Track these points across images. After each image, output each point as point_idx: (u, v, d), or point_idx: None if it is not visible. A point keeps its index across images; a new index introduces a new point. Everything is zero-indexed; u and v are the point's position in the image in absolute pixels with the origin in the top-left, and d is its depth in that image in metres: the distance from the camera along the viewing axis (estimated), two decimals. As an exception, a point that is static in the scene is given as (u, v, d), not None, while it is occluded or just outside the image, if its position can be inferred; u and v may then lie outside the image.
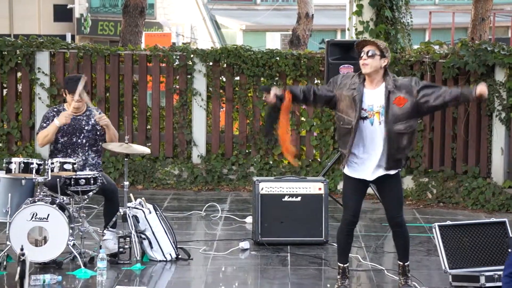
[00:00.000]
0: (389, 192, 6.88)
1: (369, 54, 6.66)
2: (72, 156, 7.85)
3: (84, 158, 7.92)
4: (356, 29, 10.92)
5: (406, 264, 6.98)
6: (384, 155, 6.72)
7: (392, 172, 6.82)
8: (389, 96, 6.66)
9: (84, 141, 7.93)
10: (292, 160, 7.11)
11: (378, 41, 6.80)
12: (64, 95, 8.03)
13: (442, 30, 26.99)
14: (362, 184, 6.85)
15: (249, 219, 9.23)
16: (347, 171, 6.82)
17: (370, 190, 10.11)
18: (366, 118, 6.69)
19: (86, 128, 7.96)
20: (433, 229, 7.31)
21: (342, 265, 7.02)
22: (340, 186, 10.78)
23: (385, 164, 6.74)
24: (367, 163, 6.76)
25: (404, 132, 6.70)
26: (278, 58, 11.14)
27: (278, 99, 6.66)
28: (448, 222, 7.36)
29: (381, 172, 6.78)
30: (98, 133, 8.02)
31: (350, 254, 8.11)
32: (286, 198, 8.44)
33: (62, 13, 31.65)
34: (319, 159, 11.22)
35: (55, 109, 8.08)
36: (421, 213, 10.08)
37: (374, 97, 6.70)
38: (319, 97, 6.79)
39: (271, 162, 11.22)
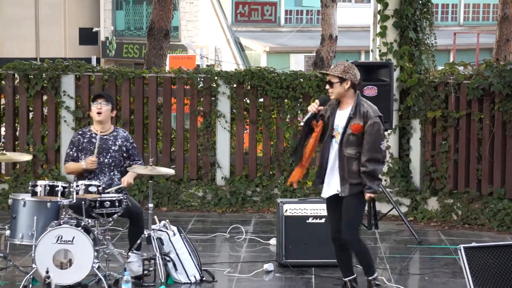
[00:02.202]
0: (344, 210, 7.05)
1: (330, 84, 7.04)
2: (99, 176, 7.89)
3: (110, 178, 7.96)
4: (380, 51, 10.92)
5: (369, 278, 7.11)
6: (339, 176, 7.01)
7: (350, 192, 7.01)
8: (349, 121, 6.97)
9: (110, 161, 7.98)
10: (295, 181, 7.33)
11: (335, 68, 7.08)
12: (91, 113, 8.12)
13: (466, 51, 26.92)
14: (334, 200, 7.08)
15: (273, 241, 9.22)
16: (322, 192, 7.19)
17: (394, 212, 10.11)
18: (333, 137, 7.04)
19: (113, 148, 8.01)
20: (459, 251, 7.24)
21: (344, 279, 7.24)
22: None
23: (339, 186, 6.99)
24: (333, 180, 7.04)
25: (354, 157, 6.94)
26: (302, 80, 11.16)
27: (315, 117, 7.04)
28: (474, 244, 7.31)
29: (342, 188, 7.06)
30: (124, 154, 8.06)
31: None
32: (310, 220, 8.42)
33: (88, 37, 31.92)
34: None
35: (80, 132, 8.15)
36: (446, 234, 10.02)
37: (341, 117, 7.05)
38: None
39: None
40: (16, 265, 7.72)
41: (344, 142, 6.97)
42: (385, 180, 10.90)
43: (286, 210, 8.41)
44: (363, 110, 6.97)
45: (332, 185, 7.05)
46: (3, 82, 11.34)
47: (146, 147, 11.19)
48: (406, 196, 10.88)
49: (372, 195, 6.99)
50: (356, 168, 6.93)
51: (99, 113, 7.98)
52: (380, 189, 7.43)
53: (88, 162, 7.85)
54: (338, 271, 8.18)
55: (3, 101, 11.40)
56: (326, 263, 8.31)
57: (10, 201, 7.70)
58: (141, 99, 11.29)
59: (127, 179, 7.92)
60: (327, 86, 7.08)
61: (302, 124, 7.10)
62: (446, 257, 8.88)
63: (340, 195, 7.02)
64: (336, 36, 15.04)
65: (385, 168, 10.92)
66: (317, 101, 7.09)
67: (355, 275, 7.22)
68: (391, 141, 10.95)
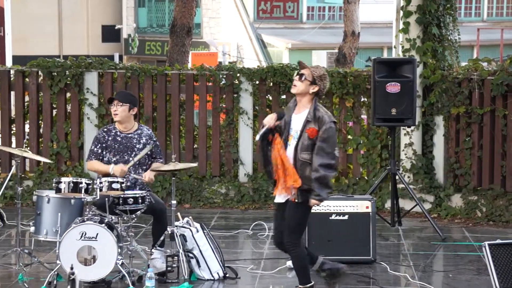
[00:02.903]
0: (288, 215, 6.94)
1: (301, 77, 6.89)
2: (125, 175, 7.90)
3: (134, 176, 7.97)
4: (403, 47, 10.87)
5: (301, 287, 6.99)
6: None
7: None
8: (305, 125, 6.85)
9: (135, 159, 7.99)
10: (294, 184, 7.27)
11: (316, 68, 6.95)
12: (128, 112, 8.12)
13: (490, 47, 26.76)
14: (283, 205, 6.98)
15: (296, 238, 9.20)
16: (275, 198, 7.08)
17: (418, 209, 10.07)
18: (287, 140, 6.93)
19: (137, 146, 8.03)
20: (483, 248, 7.21)
21: (299, 285, 7.12)
22: (388, 204, 10.72)
23: (291, 194, 6.88)
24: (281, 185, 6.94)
25: (308, 162, 6.82)
26: (324, 76, 11.12)
27: (271, 132, 6.94)
28: (498, 241, 7.26)
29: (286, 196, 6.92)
30: (148, 152, 8.08)
31: (398, 273, 8.07)
32: (333, 217, 8.41)
33: (110, 34, 32.03)
34: (366, 177, 11.17)
35: (105, 129, 8.18)
36: (470, 231, 9.97)
37: (297, 121, 6.92)
38: None
39: (318, 181, 11.18)
40: (41, 261, 7.77)
41: (300, 147, 6.83)
42: (408, 177, 10.86)
43: (309, 207, 8.38)
44: (318, 114, 6.85)
45: (280, 189, 6.92)
46: (27, 79, 11.40)
47: (169, 144, 11.21)
48: (429, 193, 10.84)
49: (318, 203, 6.84)
50: (309, 174, 6.80)
51: (115, 114, 8.01)
52: (328, 199, 7.17)
53: (118, 170, 7.85)
54: (361, 267, 8.17)
55: (27, 98, 11.47)
56: (349, 259, 8.29)
57: (34, 197, 7.74)
58: (163, 96, 11.31)
59: (148, 175, 7.94)
60: (296, 77, 6.90)
61: (258, 138, 6.97)
62: (470, 254, 8.83)
63: (289, 198, 6.88)
64: (359, 33, 15.01)
65: (408, 165, 10.89)
66: (274, 114, 6.95)
67: (313, 283, 7.06)
68: (414, 137, 10.90)
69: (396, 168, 9.94)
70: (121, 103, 8.02)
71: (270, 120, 6.91)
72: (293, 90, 6.95)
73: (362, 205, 8.42)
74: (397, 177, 9.92)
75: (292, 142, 6.87)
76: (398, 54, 10.98)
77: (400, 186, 10.31)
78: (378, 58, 10.18)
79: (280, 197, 6.98)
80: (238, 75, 11.26)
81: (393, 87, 9.84)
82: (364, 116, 11.38)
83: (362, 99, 11.20)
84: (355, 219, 8.39)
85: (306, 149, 6.81)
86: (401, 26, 10.89)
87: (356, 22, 15.15)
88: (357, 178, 11.18)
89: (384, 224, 9.90)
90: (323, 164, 6.76)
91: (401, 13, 10.88)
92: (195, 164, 8.44)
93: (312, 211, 8.31)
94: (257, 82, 11.24)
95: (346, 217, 8.38)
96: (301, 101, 6.93)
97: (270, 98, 11.30)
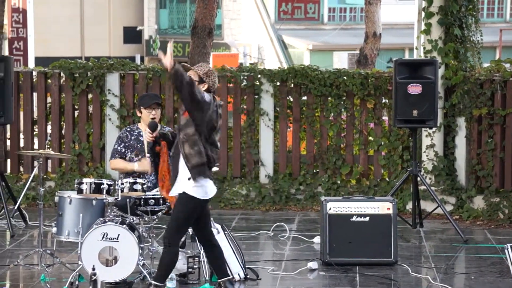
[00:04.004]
0: (173, 209, 6.99)
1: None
2: (146, 175, 7.93)
3: (156, 177, 7.99)
4: (424, 48, 10.83)
5: (153, 283, 6.94)
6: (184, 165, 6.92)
7: (182, 189, 6.90)
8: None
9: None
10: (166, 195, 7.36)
11: (199, 67, 7.01)
12: (139, 114, 8.14)
13: (512, 48, 26.59)
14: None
15: (317, 239, 9.20)
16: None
17: (439, 210, 10.03)
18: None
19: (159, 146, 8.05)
20: (506, 250, 7.17)
21: (218, 280, 7.16)
22: (409, 206, 10.68)
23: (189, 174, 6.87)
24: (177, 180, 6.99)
25: (183, 139, 6.85)
26: (345, 78, 11.12)
27: (156, 143, 7.21)
28: (521, 243, 7.22)
29: (178, 187, 6.93)
30: (169, 153, 8.09)
31: (419, 275, 8.04)
32: (354, 218, 8.39)
33: (132, 35, 32.16)
34: (387, 179, 11.14)
35: (128, 129, 8.21)
36: (492, 233, 9.92)
37: None
38: None
39: (339, 182, 11.17)
40: (63, 262, 7.80)
41: (179, 127, 6.95)
42: (430, 179, 10.82)
43: (330, 208, 8.38)
44: None
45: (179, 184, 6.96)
46: (49, 81, 11.46)
47: (190, 145, 11.22)
48: (451, 194, 10.79)
49: (167, 54, 6.77)
50: (187, 150, 6.80)
51: (154, 118, 8.05)
52: (181, 78, 6.76)
53: (144, 163, 7.87)
54: (382, 269, 8.15)
55: (49, 99, 11.52)
56: (371, 261, 8.28)
57: (56, 198, 7.78)
58: (185, 98, 11.32)
59: None
60: None
61: (148, 156, 7.26)
62: (492, 256, 8.79)
63: (188, 179, 6.89)
64: (380, 34, 14.95)
65: (429, 166, 10.84)
66: (147, 129, 7.20)
67: (231, 276, 7.10)
68: (435, 139, 10.86)
69: (417, 170, 9.91)
70: (158, 108, 8.10)
71: (147, 136, 7.24)
72: None
73: (383, 207, 8.40)
74: (418, 179, 9.88)
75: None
76: (420, 55, 10.94)
77: (421, 187, 10.27)
78: (400, 59, 10.16)
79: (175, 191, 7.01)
80: (259, 76, 11.27)
81: (415, 88, 9.81)
82: (385, 118, 11.36)
83: (384, 101, 11.17)
84: (376, 220, 8.37)
85: (181, 128, 6.87)
86: (423, 27, 10.85)
87: (378, 23, 15.09)
88: (378, 180, 11.15)
89: (406, 225, 9.87)
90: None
91: (423, 14, 10.84)
92: (216, 168, 8.45)
93: (333, 212, 8.37)
94: (278, 83, 11.24)
95: (367, 218, 8.37)
96: None
97: (291, 99, 11.29)
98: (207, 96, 6.84)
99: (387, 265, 8.29)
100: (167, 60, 6.72)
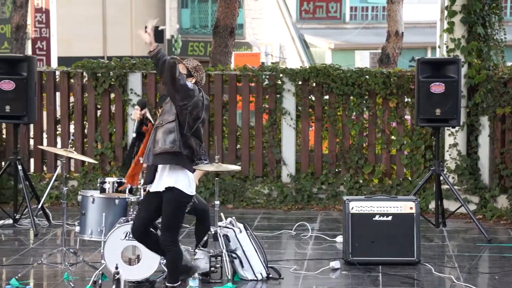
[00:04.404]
0: (163, 208, 6.87)
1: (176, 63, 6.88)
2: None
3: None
4: (447, 47, 10.78)
5: (169, 286, 6.89)
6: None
7: (168, 184, 6.75)
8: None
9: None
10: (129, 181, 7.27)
11: (188, 61, 6.97)
12: (158, 113, 8.12)
13: (536, 46, 26.38)
14: (154, 196, 6.91)
15: (339, 239, 9.18)
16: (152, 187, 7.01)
17: (463, 210, 9.98)
18: None
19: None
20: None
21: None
22: (432, 205, 10.64)
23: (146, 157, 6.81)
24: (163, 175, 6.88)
25: (158, 126, 6.77)
26: (367, 77, 11.09)
27: (143, 123, 7.08)
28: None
29: (162, 182, 6.79)
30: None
31: (442, 275, 8.01)
32: (376, 218, 8.37)
33: (154, 35, 32.19)
34: (409, 178, 11.10)
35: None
36: (516, 233, 9.87)
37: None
38: None
39: (361, 181, 11.15)
40: (86, 261, 7.84)
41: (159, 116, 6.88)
42: (453, 178, 10.77)
43: (352, 208, 8.36)
44: None
45: (161, 180, 6.85)
46: (72, 80, 11.51)
47: (212, 144, 11.24)
48: (474, 194, 10.73)
49: (148, 33, 6.80)
50: (159, 136, 6.69)
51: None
52: (163, 60, 6.74)
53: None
54: (405, 269, 8.12)
55: (72, 99, 11.58)
56: (393, 261, 8.25)
57: (79, 197, 7.82)
58: (207, 97, 11.34)
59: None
60: None
61: (133, 134, 7.12)
62: (516, 256, 8.73)
63: (144, 163, 6.86)
64: (402, 33, 14.89)
65: (452, 165, 10.79)
66: (136, 107, 7.05)
67: (180, 283, 7.01)
68: (458, 138, 10.81)
69: (440, 169, 9.86)
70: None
71: (135, 114, 7.05)
72: None
73: (406, 206, 8.37)
74: (441, 178, 9.83)
75: None
76: (443, 54, 10.89)
77: (444, 187, 10.22)
78: (422, 58, 10.12)
79: (156, 186, 6.87)
80: (281, 75, 11.26)
81: (437, 87, 9.76)
82: (407, 117, 11.32)
83: (406, 100, 11.13)
84: (399, 220, 8.34)
85: (160, 115, 6.84)
86: (446, 26, 10.80)
87: (400, 22, 15.03)
88: (400, 179, 11.11)
89: (428, 225, 9.83)
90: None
91: (446, 12, 10.79)
92: (238, 168, 8.45)
93: (356, 212, 8.35)
94: (300, 83, 11.23)
95: (389, 218, 8.34)
96: None
97: (313, 98, 11.28)
98: (191, 85, 6.79)
99: (410, 264, 8.26)
100: (147, 37, 6.67)
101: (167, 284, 6.93)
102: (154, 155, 6.74)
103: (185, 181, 6.80)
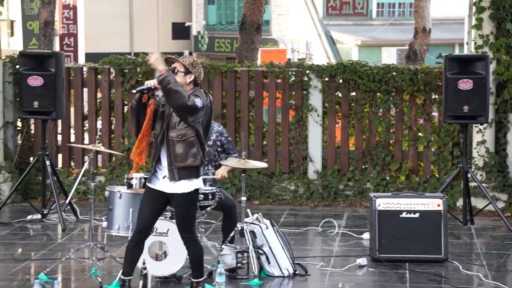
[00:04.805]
0: (176, 210, 6.83)
1: (174, 71, 6.77)
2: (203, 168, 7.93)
3: (204, 173, 8.01)
4: (475, 43, 10.71)
5: (195, 281, 6.88)
6: (167, 164, 6.75)
7: (180, 190, 6.72)
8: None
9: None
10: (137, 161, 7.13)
11: (184, 58, 6.85)
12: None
13: None
14: (158, 196, 6.83)
15: (366, 235, 9.16)
16: (149, 182, 6.89)
17: (491, 207, 9.91)
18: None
19: (207, 143, 8.07)
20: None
21: (122, 277, 6.96)
22: (459, 203, 10.58)
23: (167, 174, 6.74)
24: (160, 174, 6.79)
25: (177, 139, 6.70)
26: (394, 73, 11.04)
27: (149, 92, 6.76)
28: None
29: (172, 185, 6.74)
30: (218, 148, 8.12)
31: (470, 272, 7.96)
32: (404, 215, 8.33)
33: (180, 31, 32.29)
34: (437, 175, 11.04)
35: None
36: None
37: None
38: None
39: (388, 178, 11.11)
40: (113, 256, 7.87)
41: (170, 127, 6.73)
42: (481, 175, 10.70)
43: (379, 205, 8.34)
44: (196, 94, 6.74)
45: (160, 179, 6.78)
46: (99, 76, 11.57)
47: (239, 140, 11.25)
48: (503, 191, 10.66)
49: (155, 57, 6.60)
50: (180, 151, 6.67)
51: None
52: (171, 86, 6.56)
53: (219, 174, 7.89)
54: (432, 266, 8.08)
55: (99, 95, 11.63)
56: (421, 258, 8.21)
57: (106, 193, 7.85)
58: (233, 93, 11.36)
59: (221, 172, 7.98)
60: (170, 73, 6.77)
61: (134, 92, 6.80)
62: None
63: (169, 180, 6.74)
64: (430, 29, 14.81)
65: (480, 163, 10.73)
66: (156, 80, 6.77)
67: (205, 277, 7.00)
68: (487, 135, 10.73)
69: (468, 166, 9.80)
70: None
71: (151, 81, 6.78)
72: None
73: (433, 203, 8.32)
74: (469, 175, 9.77)
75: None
76: (471, 50, 10.82)
77: (472, 184, 10.16)
78: (450, 54, 10.06)
79: (159, 183, 6.80)
80: (308, 72, 11.24)
81: (465, 84, 9.70)
82: (435, 113, 11.26)
83: (433, 96, 11.07)
84: (426, 217, 8.30)
85: (174, 127, 6.73)
86: (474, 22, 10.73)
87: (427, 18, 14.95)
88: (428, 176, 11.06)
89: (456, 222, 9.77)
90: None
91: (474, 9, 10.71)
92: (265, 165, 8.44)
93: (382, 208, 8.32)
94: (327, 79, 11.21)
95: (417, 215, 8.30)
96: None
97: (340, 95, 11.25)
98: (199, 101, 6.69)
99: (437, 262, 8.22)
100: (158, 62, 6.61)
101: (193, 279, 6.95)
102: (178, 169, 6.72)
103: (191, 180, 6.77)
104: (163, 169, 6.80)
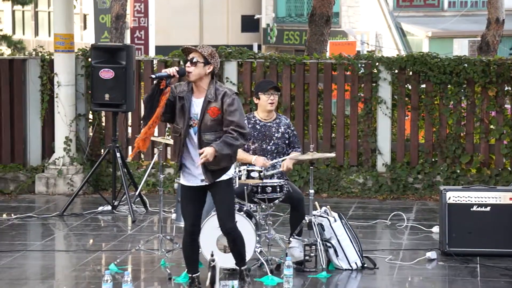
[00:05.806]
0: (219, 199, 6.79)
1: (193, 61, 6.69)
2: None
3: (273, 165, 8.01)
4: (549, 33, 10.48)
5: (242, 268, 6.88)
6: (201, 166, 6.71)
7: (222, 178, 6.72)
8: (206, 106, 6.69)
9: (273, 148, 8.03)
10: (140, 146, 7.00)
11: (203, 48, 6.74)
12: (256, 100, 8.13)
13: None
14: (196, 190, 6.81)
15: (435, 229, 9.06)
16: (181, 180, 6.89)
17: None
18: (191, 126, 6.74)
19: (276, 135, 8.07)
20: None
21: (192, 275, 6.96)
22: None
23: (203, 175, 6.72)
24: (195, 170, 6.78)
25: (211, 141, 6.65)
26: (466, 65, 10.88)
27: (167, 79, 6.69)
28: None
29: (207, 176, 6.73)
30: (286, 141, 8.11)
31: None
32: (474, 208, 8.22)
33: (249, 24, 32.36)
34: (509, 168, 10.85)
35: (244, 118, 8.23)
36: None
37: (198, 105, 6.74)
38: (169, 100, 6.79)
39: (458, 171, 10.96)
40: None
41: (202, 128, 6.69)
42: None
43: (449, 198, 8.23)
44: (219, 92, 6.71)
45: (196, 174, 6.78)
46: (168, 69, 11.64)
47: (307, 133, 11.22)
48: None
49: (208, 156, 6.55)
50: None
51: (271, 103, 8.04)
52: (227, 153, 6.64)
53: (259, 161, 7.89)
54: (504, 261, 7.94)
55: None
56: (492, 252, 8.09)
57: (175, 185, 7.91)
58: (301, 86, 11.33)
59: (287, 164, 7.97)
60: (188, 64, 6.70)
61: (153, 77, 6.70)
62: None
63: (205, 183, 6.73)
64: (503, 20, 14.54)
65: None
66: (176, 68, 6.71)
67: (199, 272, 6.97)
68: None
69: (541, 159, 9.61)
70: (277, 93, 8.09)
71: (173, 69, 6.71)
72: (190, 79, 6.73)
73: (505, 197, 8.19)
74: (542, 169, 9.58)
75: (197, 127, 6.74)
76: (545, 41, 10.59)
77: (545, 177, 9.96)
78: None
79: (190, 181, 6.81)
80: (377, 64, 11.15)
81: (539, 75, 9.50)
82: (507, 106, 11.06)
83: (506, 88, 10.87)
84: (497, 210, 8.17)
85: (209, 130, 6.70)
86: (548, 12, 10.49)
87: (501, 8, 14.68)
88: (499, 169, 10.87)
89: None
90: (237, 131, 6.67)
91: (548, -2, 10.48)
92: (333, 155, 8.41)
93: (453, 202, 8.21)
94: (396, 71, 11.10)
95: (488, 208, 8.18)
96: (200, 85, 6.76)
97: (409, 87, 11.13)
98: (244, 119, 6.82)
99: (509, 256, 8.08)
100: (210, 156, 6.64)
101: (242, 268, 7.00)
102: (212, 172, 6.74)
103: (228, 167, 6.81)
104: (195, 166, 6.79)
